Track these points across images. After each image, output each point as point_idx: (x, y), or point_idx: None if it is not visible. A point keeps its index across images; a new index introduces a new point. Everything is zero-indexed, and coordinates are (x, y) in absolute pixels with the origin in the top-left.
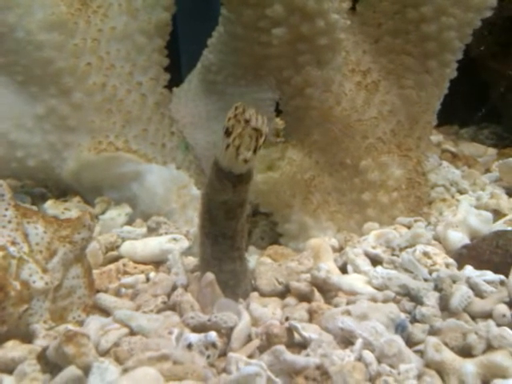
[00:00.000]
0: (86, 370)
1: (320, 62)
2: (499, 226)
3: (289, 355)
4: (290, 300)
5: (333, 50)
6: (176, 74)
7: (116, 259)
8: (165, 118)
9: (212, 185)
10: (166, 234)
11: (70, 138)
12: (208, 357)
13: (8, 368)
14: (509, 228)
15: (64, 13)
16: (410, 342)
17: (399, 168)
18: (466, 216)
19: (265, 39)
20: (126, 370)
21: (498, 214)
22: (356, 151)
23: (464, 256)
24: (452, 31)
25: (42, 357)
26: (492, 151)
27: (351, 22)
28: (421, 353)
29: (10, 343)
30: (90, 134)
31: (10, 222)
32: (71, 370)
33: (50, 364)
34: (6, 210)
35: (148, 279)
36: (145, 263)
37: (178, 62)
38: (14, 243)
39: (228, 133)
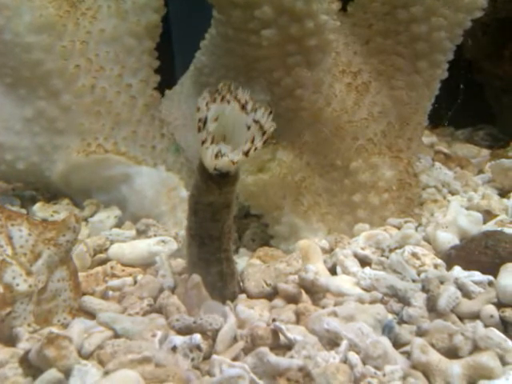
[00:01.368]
0: (67, 372)
1: (310, 63)
2: (490, 226)
3: (272, 357)
4: (278, 302)
5: (322, 51)
6: (170, 76)
7: (104, 262)
8: (155, 120)
9: (198, 186)
10: (155, 236)
11: (59, 140)
12: (192, 359)
13: None
14: (499, 229)
15: (52, 15)
16: (398, 343)
17: (390, 169)
18: (455, 217)
19: (254, 40)
20: (107, 373)
21: (489, 215)
22: (346, 152)
23: (453, 257)
24: (442, 32)
25: (24, 360)
26: (485, 152)
27: (342, 23)
28: (408, 354)
29: None
30: (79, 136)
31: None
32: (51, 373)
33: (33, 367)
34: None
35: (136, 282)
36: (133, 266)
37: (172, 64)
38: None
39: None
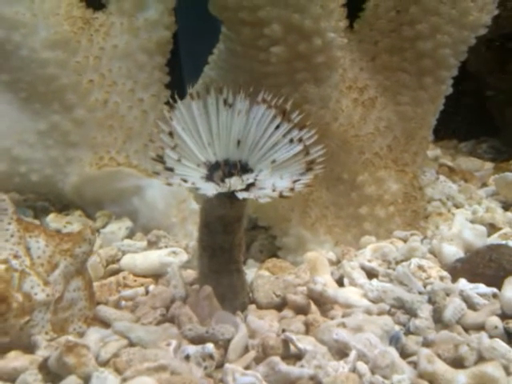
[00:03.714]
0: (86, 379)
1: (317, 79)
2: (494, 239)
3: (283, 366)
4: (287, 312)
5: (330, 68)
6: (179, 90)
7: (116, 272)
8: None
9: (210, 199)
10: (166, 247)
11: (72, 153)
12: (205, 368)
13: (10, 378)
14: (503, 242)
15: (67, 31)
16: (404, 354)
17: (396, 183)
18: (460, 230)
19: (263, 57)
20: (124, 380)
21: (493, 228)
22: (353, 166)
23: (458, 269)
24: (447, 49)
25: (43, 367)
26: (489, 165)
27: (348, 40)
28: (414, 364)
29: (13, 353)
30: (91, 149)
31: (12, 235)
32: (71, 380)
33: (51, 374)
34: (9, 224)
35: (147, 292)
36: (145, 276)
37: (181, 78)
38: (16, 256)
39: None
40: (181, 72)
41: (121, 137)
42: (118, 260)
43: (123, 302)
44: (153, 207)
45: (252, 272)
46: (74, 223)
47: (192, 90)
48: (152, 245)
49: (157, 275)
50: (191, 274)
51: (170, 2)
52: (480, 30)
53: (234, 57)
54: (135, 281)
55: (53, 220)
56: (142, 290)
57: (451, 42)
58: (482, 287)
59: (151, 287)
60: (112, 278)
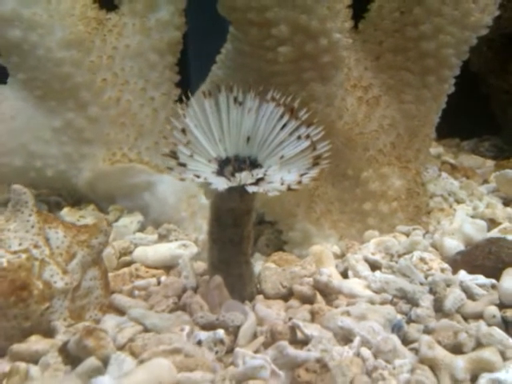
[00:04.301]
0: (105, 361)
1: (323, 78)
2: (494, 233)
3: (291, 350)
4: (293, 302)
5: (335, 67)
6: (187, 89)
7: (129, 264)
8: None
9: (220, 193)
10: (176, 240)
11: (86, 149)
12: (216, 352)
13: (33, 359)
14: (502, 236)
15: (82, 32)
16: (406, 341)
17: (399, 179)
18: (461, 224)
19: (271, 57)
20: (141, 362)
21: (493, 223)
22: (357, 163)
23: (458, 262)
24: (450, 49)
25: (63, 350)
26: (490, 163)
27: (353, 40)
28: (415, 350)
29: (33, 337)
30: (104, 145)
31: (32, 226)
32: (91, 361)
33: (71, 357)
34: (30, 215)
35: (159, 282)
36: (156, 268)
37: (188, 78)
38: (36, 246)
39: None
40: (188, 71)
41: (133, 134)
42: (131, 252)
43: (136, 292)
44: (163, 202)
45: (259, 265)
46: (87, 217)
47: (201, 88)
48: (163, 238)
49: (168, 267)
50: (201, 265)
51: (181, 3)
52: (481, 31)
53: (241, 56)
54: (147, 272)
55: (67, 214)
56: (153, 280)
57: (454, 42)
58: (481, 278)
59: (162, 278)
60: (125, 269)
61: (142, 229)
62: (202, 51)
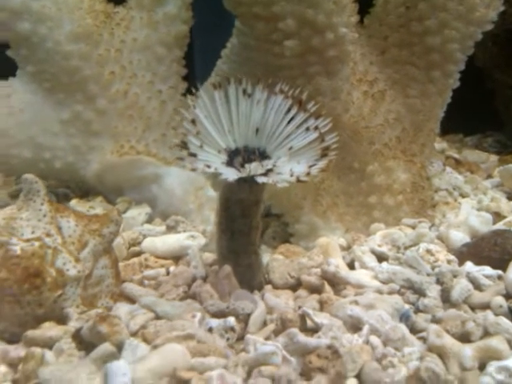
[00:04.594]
0: (119, 346)
1: (329, 72)
2: (499, 227)
3: (302, 337)
4: (302, 292)
5: (341, 61)
6: (190, 83)
7: (138, 254)
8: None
9: (229, 184)
10: (184, 231)
11: (94, 141)
12: (227, 339)
13: (46, 345)
14: (507, 228)
15: (90, 25)
16: (414, 330)
17: (404, 172)
18: (467, 217)
19: (277, 51)
20: (155, 347)
21: (498, 217)
22: (363, 156)
23: (464, 253)
24: (455, 43)
25: (76, 336)
26: (494, 158)
27: (359, 35)
28: (424, 339)
29: (47, 324)
30: (112, 138)
31: (44, 215)
32: (106, 347)
33: (84, 343)
34: (42, 204)
35: (168, 272)
36: (165, 258)
37: (193, 71)
38: (48, 235)
39: None
40: (192, 65)
41: (140, 126)
42: (139, 243)
43: (146, 281)
44: (171, 194)
45: (266, 256)
46: (96, 208)
47: (206, 82)
48: (171, 229)
49: (176, 257)
50: (209, 256)
51: None
52: (486, 26)
53: (246, 50)
54: (156, 262)
55: (76, 205)
56: (162, 270)
57: (459, 37)
58: (488, 269)
59: (171, 268)
60: (135, 259)
61: (149, 220)
62: (206, 45)
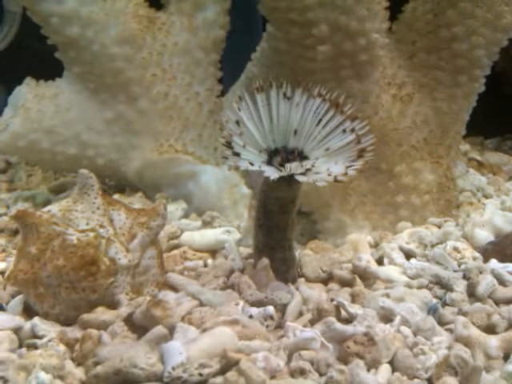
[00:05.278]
0: (171, 329)
1: (360, 75)
2: None
3: (339, 325)
4: (333, 286)
5: (372, 66)
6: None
7: (177, 247)
8: (217, 125)
9: (268, 182)
10: (220, 226)
11: (135, 140)
12: (267, 327)
13: (100, 328)
14: None
15: (134, 29)
16: (441, 323)
17: (431, 173)
18: (491, 217)
19: (310, 55)
20: (204, 330)
21: None
22: (391, 157)
23: (489, 251)
24: (481, 50)
25: (127, 320)
26: None
27: (388, 40)
28: (451, 331)
29: (100, 309)
30: (152, 137)
31: (98, 208)
32: (159, 329)
33: (135, 326)
34: (95, 198)
35: (206, 265)
36: (201, 251)
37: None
38: (102, 226)
39: None
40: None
41: (178, 126)
42: (177, 237)
43: (186, 272)
44: (206, 191)
45: (296, 252)
46: (135, 204)
47: (236, 84)
48: (207, 224)
49: (212, 251)
50: (244, 250)
51: (226, 2)
52: None
53: (277, 54)
54: (194, 255)
55: None
56: (201, 262)
57: (485, 43)
58: None
59: (209, 261)
60: (176, 251)
61: (185, 216)
62: (234, 49)
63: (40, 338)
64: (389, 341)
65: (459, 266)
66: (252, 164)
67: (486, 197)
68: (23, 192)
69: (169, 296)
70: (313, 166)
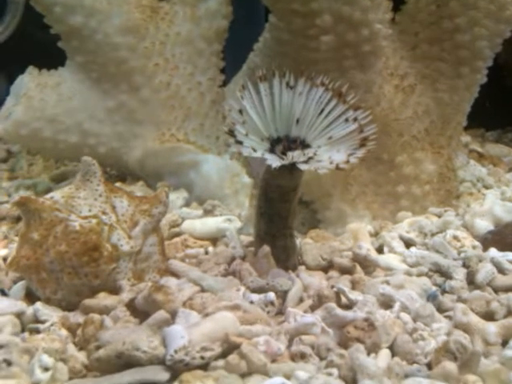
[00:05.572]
0: (173, 314)
1: (363, 66)
2: None
3: (339, 310)
4: (334, 273)
5: (375, 56)
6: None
7: (178, 235)
8: (219, 114)
9: (270, 170)
10: (221, 215)
11: (137, 129)
12: (268, 312)
13: (102, 313)
14: None
15: (138, 19)
16: (440, 310)
17: (432, 164)
18: (491, 206)
19: (313, 45)
20: (206, 315)
21: None
22: (392, 147)
23: (489, 240)
24: (484, 41)
25: (129, 305)
26: None
27: (391, 31)
28: (450, 318)
29: (102, 294)
30: (154, 126)
31: (100, 195)
32: (161, 314)
33: (137, 311)
34: (98, 185)
35: (206, 252)
36: (202, 239)
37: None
38: (104, 213)
39: None
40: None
41: (180, 116)
42: (178, 225)
43: (187, 260)
44: (208, 180)
45: (297, 240)
46: (137, 192)
47: (238, 74)
48: (208, 213)
49: (213, 239)
50: (245, 238)
51: None
52: None
53: (279, 45)
54: (195, 243)
55: None
56: (202, 250)
57: (488, 34)
58: (511, 255)
59: (210, 248)
60: (177, 239)
61: (186, 205)
62: (237, 39)
63: (42, 322)
64: (388, 326)
65: (459, 255)
66: (255, 150)
67: (486, 187)
68: (24, 180)
69: (170, 282)
70: (315, 154)
